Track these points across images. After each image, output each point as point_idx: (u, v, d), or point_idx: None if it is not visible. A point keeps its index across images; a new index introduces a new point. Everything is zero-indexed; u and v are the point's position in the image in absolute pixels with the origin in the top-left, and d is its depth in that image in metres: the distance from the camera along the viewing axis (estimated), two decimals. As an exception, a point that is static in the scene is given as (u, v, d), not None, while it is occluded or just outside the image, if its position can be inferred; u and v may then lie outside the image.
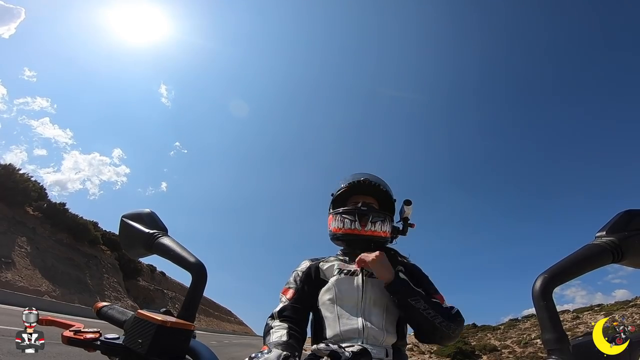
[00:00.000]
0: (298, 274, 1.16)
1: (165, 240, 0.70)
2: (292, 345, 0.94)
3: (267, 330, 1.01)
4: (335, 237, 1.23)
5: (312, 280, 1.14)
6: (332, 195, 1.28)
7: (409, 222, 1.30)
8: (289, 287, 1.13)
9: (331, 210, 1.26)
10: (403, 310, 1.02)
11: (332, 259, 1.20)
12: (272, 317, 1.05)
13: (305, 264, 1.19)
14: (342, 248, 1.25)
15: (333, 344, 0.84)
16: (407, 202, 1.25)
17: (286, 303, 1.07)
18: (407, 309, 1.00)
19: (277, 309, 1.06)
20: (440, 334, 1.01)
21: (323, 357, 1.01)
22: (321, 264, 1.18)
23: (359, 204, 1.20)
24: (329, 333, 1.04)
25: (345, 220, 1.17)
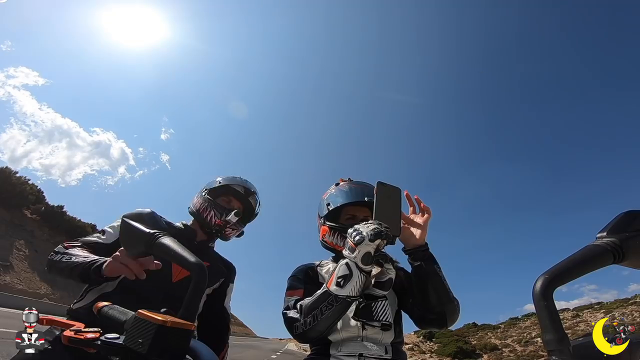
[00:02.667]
0: (298, 277, 1.17)
1: (165, 240, 0.69)
2: None
3: (302, 307, 0.99)
4: (333, 250, 1.22)
5: (313, 280, 1.15)
6: (328, 204, 1.22)
7: None
8: (296, 288, 1.13)
9: (325, 221, 1.22)
10: (425, 278, 1.00)
11: (326, 262, 1.23)
12: (289, 307, 1.05)
13: (300, 268, 1.21)
14: (334, 255, 1.24)
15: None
16: None
17: (299, 298, 1.06)
18: (430, 276, 1.00)
19: (292, 301, 1.06)
20: (452, 307, 1.03)
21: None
22: (319, 268, 1.20)
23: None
24: (347, 324, 1.05)
25: (346, 240, 1.16)
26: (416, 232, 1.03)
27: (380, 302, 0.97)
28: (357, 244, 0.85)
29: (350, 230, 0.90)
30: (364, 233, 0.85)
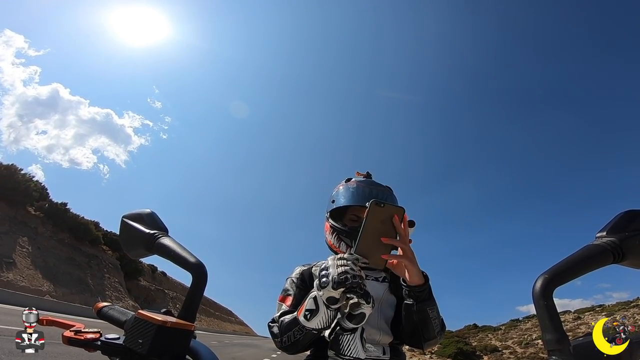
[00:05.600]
0: (293, 281, 1.15)
1: (165, 241, 0.70)
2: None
3: (281, 324, 0.98)
4: (331, 250, 1.20)
5: (307, 286, 1.12)
6: (333, 202, 1.19)
7: None
8: (287, 295, 1.11)
9: (329, 217, 1.19)
10: (413, 315, 0.95)
11: (322, 263, 1.18)
12: (274, 320, 1.04)
13: (298, 270, 1.18)
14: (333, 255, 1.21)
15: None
16: (411, 224, 1.17)
17: (287, 309, 1.06)
18: (418, 315, 0.94)
19: (278, 314, 1.05)
20: (433, 341, 1.01)
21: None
22: (313, 269, 1.16)
23: (358, 227, 1.11)
24: (327, 333, 1.03)
25: (342, 243, 1.13)
26: (410, 267, 0.89)
27: (347, 335, 0.87)
28: (322, 287, 0.80)
29: (322, 265, 0.85)
30: (330, 277, 0.79)
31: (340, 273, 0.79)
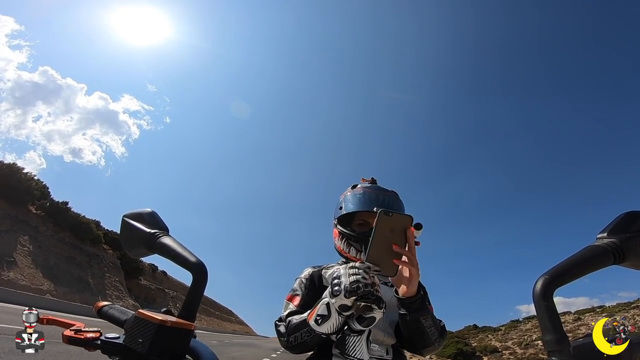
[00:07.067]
0: (302, 281, 1.16)
1: (166, 240, 0.70)
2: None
3: (289, 324, 0.98)
4: (341, 255, 1.22)
5: (316, 287, 1.14)
6: (340, 208, 1.21)
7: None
8: (295, 294, 1.13)
9: (337, 223, 1.22)
10: (408, 325, 0.96)
11: (332, 265, 1.21)
12: (281, 319, 1.05)
13: (307, 271, 1.20)
14: (343, 260, 1.23)
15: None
16: (418, 227, 1.15)
17: (294, 309, 1.07)
18: (413, 324, 0.95)
19: (285, 313, 1.06)
20: (432, 348, 1.02)
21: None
22: (323, 271, 1.19)
23: (366, 232, 1.14)
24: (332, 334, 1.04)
25: (352, 248, 1.15)
26: (406, 278, 0.88)
27: (354, 337, 0.89)
28: (334, 295, 0.82)
29: (334, 274, 0.86)
30: (342, 286, 0.80)
31: (352, 282, 0.80)
